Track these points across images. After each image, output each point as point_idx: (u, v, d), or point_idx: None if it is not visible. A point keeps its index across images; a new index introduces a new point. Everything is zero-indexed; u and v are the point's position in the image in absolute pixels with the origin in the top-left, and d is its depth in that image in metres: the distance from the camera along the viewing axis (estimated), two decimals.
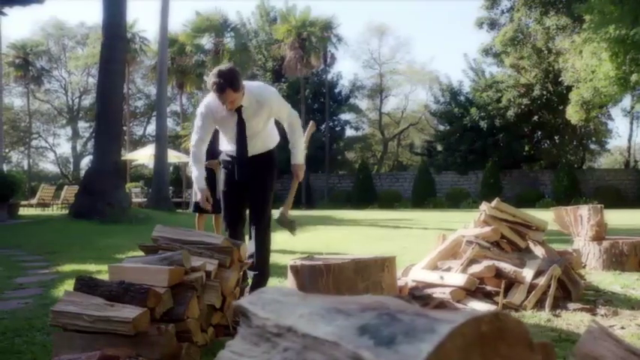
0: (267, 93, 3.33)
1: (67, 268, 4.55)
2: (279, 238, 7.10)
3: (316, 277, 2.93)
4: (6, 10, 12.95)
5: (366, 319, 0.55)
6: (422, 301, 0.74)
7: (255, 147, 3.37)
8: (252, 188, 3.40)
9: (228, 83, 3.01)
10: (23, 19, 51.44)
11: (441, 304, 0.73)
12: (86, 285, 1.78)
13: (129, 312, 1.68)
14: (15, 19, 52.18)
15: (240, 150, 3.30)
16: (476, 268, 3.20)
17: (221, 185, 3.58)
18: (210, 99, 3.27)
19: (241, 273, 2.76)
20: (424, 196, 21.72)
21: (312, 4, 40.86)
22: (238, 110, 3.20)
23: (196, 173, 3.46)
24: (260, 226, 3.39)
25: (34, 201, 17.17)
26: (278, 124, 3.55)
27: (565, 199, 17.50)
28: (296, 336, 0.60)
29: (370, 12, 61.34)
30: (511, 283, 3.17)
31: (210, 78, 3.11)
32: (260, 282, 3.38)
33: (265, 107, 3.24)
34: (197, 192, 6.31)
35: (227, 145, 3.46)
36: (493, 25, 22.25)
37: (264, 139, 3.41)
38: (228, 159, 3.47)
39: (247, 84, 3.27)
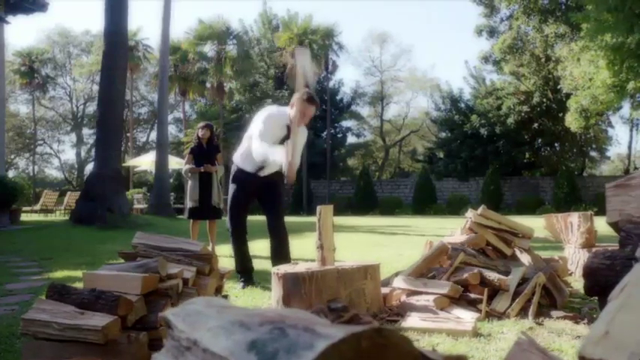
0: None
1: (59, 274, 4.57)
2: None
3: (299, 285, 2.95)
4: (9, 18, 13.05)
5: (259, 334, 0.56)
6: (336, 314, 0.75)
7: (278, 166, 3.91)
8: (271, 190, 3.92)
9: (318, 105, 3.84)
10: (29, 28, 51.95)
11: (355, 317, 0.74)
12: (58, 293, 1.80)
13: (99, 320, 1.69)
14: (21, 28, 52.69)
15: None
16: (460, 276, 3.20)
17: (232, 191, 3.99)
18: (278, 109, 3.90)
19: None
20: (425, 203, 21.70)
21: (314, 12, 41.07)
22: (289, 128, 3.74)
23: (270, 148, 3.70)
24: (279, 222, 3.95)
25: (37, 207, 17.24)
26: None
27: (565, 206, 17.45)
28: (199, 350, 0.61)
29: (371, 20, 61.52)
30: (496, 290, 3.17)
31: (307, 93, 3.70)
32: None
33: (303, 135, 3.86)
34: (189, 199, 6.36)
35: (249, 165, 3.89)
36: (492, 32, 22.30)
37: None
38: (248, 176, 3.93)
39: None
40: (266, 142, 3.65)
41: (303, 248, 5.64)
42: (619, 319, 0.66)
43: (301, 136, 3.84)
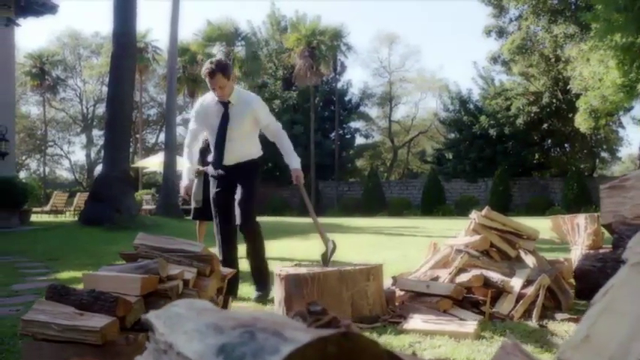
0: (254, 96, 3.58)
1: (66, 275, 4.62)
2: (279, 245, 7.12)
3: (301, 286, 2.94)
4: (20, 20, 13.23)
5: (230, 338, 0.56)
6: (315, 317, 0.74)
7: (235, 152, 3.48)
8: (237, 195, 3.49)
9: (219, 68, 3.28)
10: (39, 30, 52.57)
11: (334, 320, 0.73)
12: (57, 293, 1.82)
13: (97, 321, 1.70)
14: (31, 30, 53.40)
15: (219, 143, 3.44)
16: (464, 277, 3.18)
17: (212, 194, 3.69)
18: (203, 97, 3.56)
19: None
20: (433, 204, 21.61)
21: (322, 13, 41.06)
22: (225, 106, 3.40)
23: (188, 165, 3.69)
24: (247, 229, 3.51)
25: (47, 208, 17.42)
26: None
27: (575, 207, 17.28)
28: (174, 354, 0.62)
29: (380, 21, 61.44)
30: (499, 292, 3.15)
31: (204, 66, 3.38)
32: (261, 292, 3.55)
33: (250, 108, 3.43)
34: (193, 200, 6.39)
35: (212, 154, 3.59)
36: (501, 33, 22.19)
37: (246, 147, 3.52)
38: (213, 170, 3.61)
39: (238, 87, 3.54)
40: (192, 136, 3.62)
41: (308, 250, 5.65)
42: (600, 323, 0.66)
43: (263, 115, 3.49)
